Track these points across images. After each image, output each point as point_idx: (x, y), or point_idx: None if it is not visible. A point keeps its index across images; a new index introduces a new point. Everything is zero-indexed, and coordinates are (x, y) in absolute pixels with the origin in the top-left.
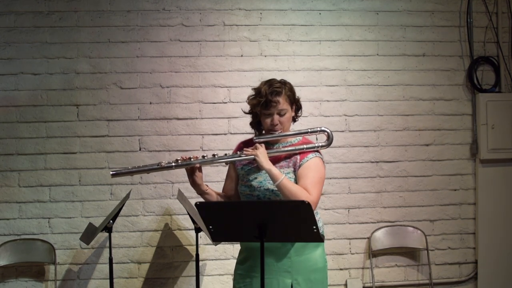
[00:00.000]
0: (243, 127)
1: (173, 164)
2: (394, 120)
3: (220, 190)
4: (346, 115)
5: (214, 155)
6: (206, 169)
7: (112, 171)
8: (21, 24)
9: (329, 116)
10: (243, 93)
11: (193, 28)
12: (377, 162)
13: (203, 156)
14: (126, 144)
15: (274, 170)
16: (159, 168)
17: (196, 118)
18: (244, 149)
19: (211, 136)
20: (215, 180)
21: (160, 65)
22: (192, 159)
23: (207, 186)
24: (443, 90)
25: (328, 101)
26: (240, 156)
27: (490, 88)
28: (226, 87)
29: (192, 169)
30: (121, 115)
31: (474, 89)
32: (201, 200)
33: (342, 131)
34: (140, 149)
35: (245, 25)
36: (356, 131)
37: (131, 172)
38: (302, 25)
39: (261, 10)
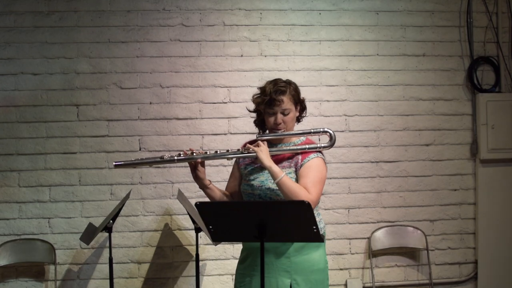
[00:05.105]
0: (243, 127)
1: (176, 157)
2: (394, 120)
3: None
4: (346, 115)
5: (216, 151)
6: (206, 169)
7: (115, 162)
8: (21, 24)
9: (329, 116)
10: (243, 93)
11: (193, 28)
12: (377, 162)
13: (205, 152)
14: (126, 144)
15: (275, 167)
16: (162, 161)
17: (196, 118)
18: (247, 145)
19: (211, 136)
20: (215, 180)
21: (160, 65)
22: (194, 154)
23: (210, 181)
24: (443, 90)
25: (328, 101)
26: (242, 153)
27: (490, 88)
28: (226, 87)
29: (195, 164)
30: (121, 115)
31: (474, 89)
32: (202, 199)
33: (342, 131)
34: (140, 149)
35: (245, 25)
36: (356, 131)
37: (133, 164)
38: (302, 25)
39: (261, 10)
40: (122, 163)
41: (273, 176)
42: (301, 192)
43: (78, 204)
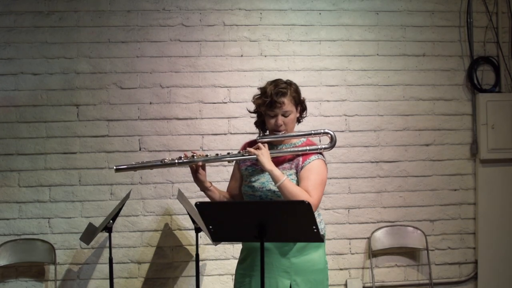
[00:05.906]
0: (243, 127)
1: (176, 161)
2: (394, 120)
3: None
4: (346, 115)
5: (217, 154)
6: (207, 169)
7: (116, 166)
8: (21, 24)
9: (329, 116)
10: (243, 93)
11: (193, 28)
12: (377, 162)
13: (206, 155)
14: (126, 144)
15: (276, 171)
16: (162, 164)
17: (196, 118)
18: (247, 148)
19: (211, 136)
20: (215, 180)
21: (160, 65)
22: (195, 157)
23: (211, 183)
24: (443, 90)
25: (328, 101)
26: (242, 155)
27: (490, 88)
28: (226, 87)
29: (196, 167)
30: (121, 115)
31: (474, 89)
32: (202, 199)
33: (342, 131)
34: (140, 149)
35: (245, 25)
36: (356, 131)
37: (134, 168)
38: (302, 25)
39: (261, 10)
40: (123, 167)
41: (274, 179)
42: (303, 195)
43: (78, 204)
